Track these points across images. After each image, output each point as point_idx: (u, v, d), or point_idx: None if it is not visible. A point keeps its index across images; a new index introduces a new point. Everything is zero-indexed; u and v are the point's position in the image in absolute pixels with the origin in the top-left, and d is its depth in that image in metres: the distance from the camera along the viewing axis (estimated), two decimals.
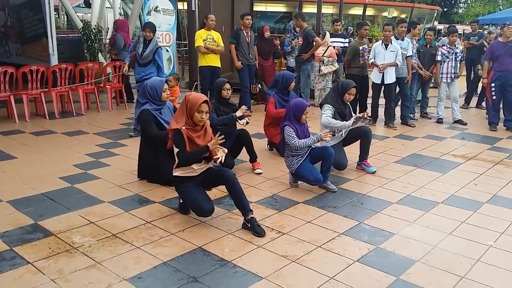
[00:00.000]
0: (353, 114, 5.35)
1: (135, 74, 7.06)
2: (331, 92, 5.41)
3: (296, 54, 9.06)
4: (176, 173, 3.85)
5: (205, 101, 3.73)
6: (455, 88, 8.26)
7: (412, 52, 7.90)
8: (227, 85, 5.31)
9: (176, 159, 3.78)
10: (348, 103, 5.31)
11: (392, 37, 7.76)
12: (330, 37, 9.90)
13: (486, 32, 10.95)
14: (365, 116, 5.30)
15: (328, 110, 5.16)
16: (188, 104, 3.73)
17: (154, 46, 6.89)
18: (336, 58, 9.39)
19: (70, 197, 4.39)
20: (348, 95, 5.17)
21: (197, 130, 3.79)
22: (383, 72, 7.51)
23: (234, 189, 3.76)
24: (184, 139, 3.71)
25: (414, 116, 8.36)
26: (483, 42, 10.26)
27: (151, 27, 6.93)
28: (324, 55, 9.15)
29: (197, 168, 3.82)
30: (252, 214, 3.76)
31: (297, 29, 9.36)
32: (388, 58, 7.47)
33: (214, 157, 3.77)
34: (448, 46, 8.17)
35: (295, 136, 4.59)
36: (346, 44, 9.91)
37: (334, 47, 9.63)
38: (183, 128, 3.73)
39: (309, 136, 4.75)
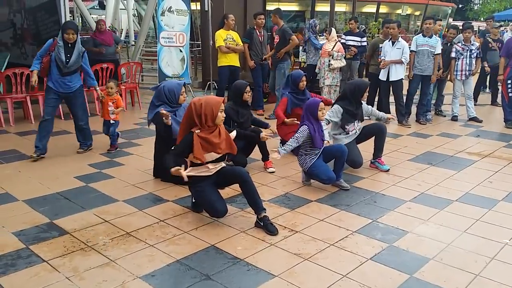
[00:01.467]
0: (369, 110, 5.37)
1: (54, 86, 5.62)
2: (344, 93, 5.35)
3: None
4: (190, 172, 3.85)
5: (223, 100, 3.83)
6: (469, 85, 8.17)
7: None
8: (248, 88, 5.34)
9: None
10: (364, 102, 5.30)
11: (420, 35, 7.72)
12: (346, 36, 9.85)
13: (488, 27, 10.70)
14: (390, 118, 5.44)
15: (330, 112, 5.16)
16: (207, 108, 3.68)
17: (80, 50, 5.63)
18: (344, 54, 9.25)
19: (85, 196, 4.44)
20: (365, 93, 5.22)
21: (211, 130, 3.77)
22: (388, 70, 7.47)
23: (248, 188, 3.76)
24: (191, 142, 3.68)
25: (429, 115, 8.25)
26: (488, 38, 10.10)
27: (74, 28, 5.60)
28: (333, 50, 9.05)
29: (212, 168, 3.83)
30: (265, 212, 3.76)
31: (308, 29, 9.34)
32: (394, 55, 7.43)
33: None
34: (463, 43, 8.07)
35: (298, 139, 4.60)
36: (364, 43, 9.81)
37: (349, 46, 9.54)
38: (197, 131, 3.71)
39: (323, 134, 4.76)
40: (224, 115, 3.81)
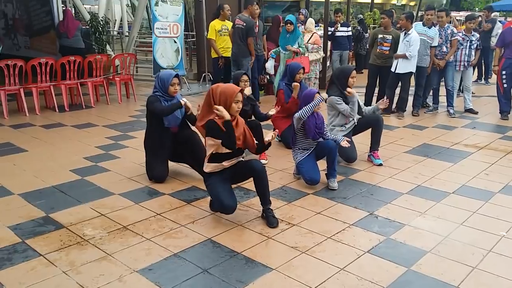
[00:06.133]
0: (361, 104, 5.31)
1: None
2: (330, 85, 5.27)
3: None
4: (207, 169, 3.72)
5: (241, 91, 3.68)
6: (468, 76, 8.15)
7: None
8: (245, 77, 5.20)
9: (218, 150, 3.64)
10: (361, 103, 5.29)
11: (420, 23, 7.66)
12: (330, 27, 9.92)
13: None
14: (384, 103, 5.24)
15: (340, 100, 5.08)
16: (222, 96, 3.60)
17: None
18: (321, 46, 9.17)
19: (80, 190, 4.42)
20: (352, 79, 5.06)
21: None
22: (397, 62, 7.42)
23: (261, 181, 3.71)
24: (219, 127, 3.56)
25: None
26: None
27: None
28: (309, 42, 8.93)
29: (227, 165, 3.72)
30: (270, 205, 3.76)
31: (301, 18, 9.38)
32: (401, 47, 7.36)
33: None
34: (464, 33, 8.03)
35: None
36: (349, 33, 9.93)
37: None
38: (216, 118, 3.60)
39: (324, 130, 4.64)
40: (240, 106, 3.66)
